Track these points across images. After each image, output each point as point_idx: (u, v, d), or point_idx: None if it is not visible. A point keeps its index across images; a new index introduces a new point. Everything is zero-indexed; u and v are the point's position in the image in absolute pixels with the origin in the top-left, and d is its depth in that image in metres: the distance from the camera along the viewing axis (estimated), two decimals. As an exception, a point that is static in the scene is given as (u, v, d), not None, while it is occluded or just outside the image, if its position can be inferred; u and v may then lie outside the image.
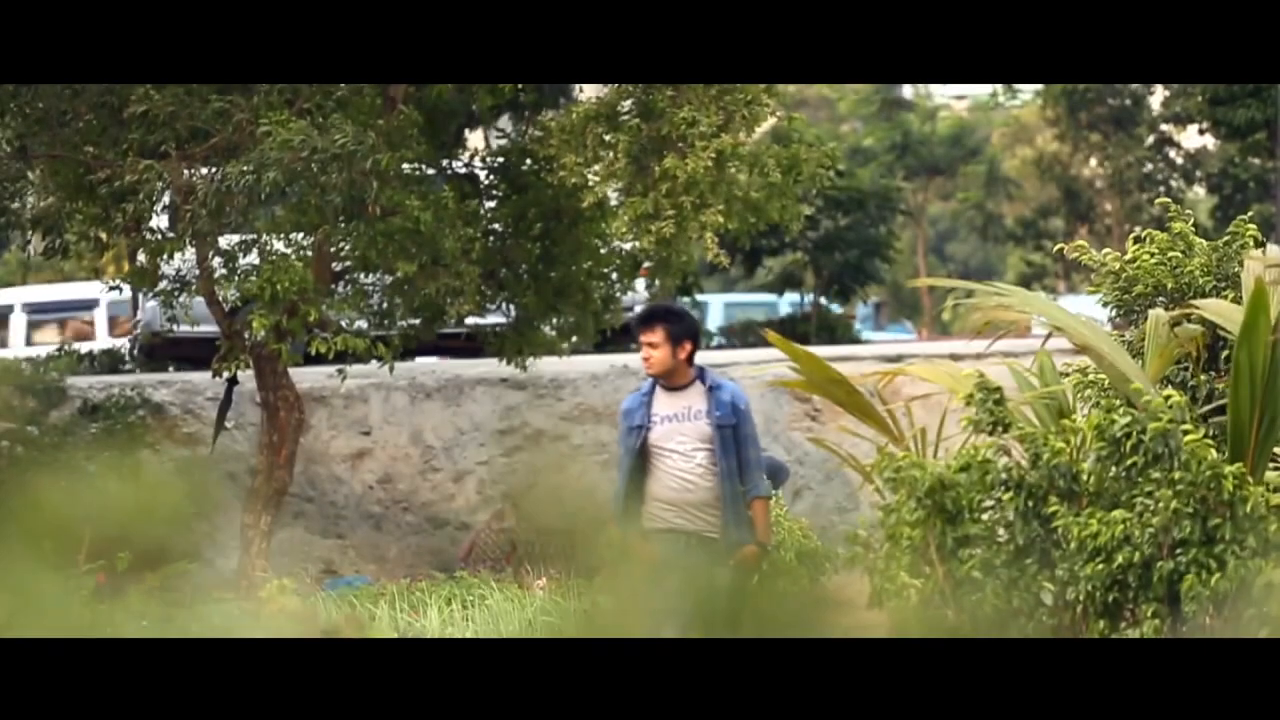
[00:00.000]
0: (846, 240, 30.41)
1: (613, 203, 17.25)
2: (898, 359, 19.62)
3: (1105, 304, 8.91)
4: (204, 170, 16.37)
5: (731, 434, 9.79)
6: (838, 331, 29.72)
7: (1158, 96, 36.77)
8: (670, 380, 9.94)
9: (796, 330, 29.05)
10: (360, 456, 20.74)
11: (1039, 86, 36.84)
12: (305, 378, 19.20)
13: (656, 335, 9.90)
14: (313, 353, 17.01)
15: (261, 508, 17.83)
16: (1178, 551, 7.58)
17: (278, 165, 15.33)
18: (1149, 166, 37.44)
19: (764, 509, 10.04)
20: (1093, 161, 38.44)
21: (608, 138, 16.62)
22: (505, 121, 19.74)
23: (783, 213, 17.54)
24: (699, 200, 16.26)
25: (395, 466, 20.71)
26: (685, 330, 10.02)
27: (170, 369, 23.20)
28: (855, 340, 29.60)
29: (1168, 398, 7.79)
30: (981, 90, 45.17)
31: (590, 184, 16.71)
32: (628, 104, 16.61)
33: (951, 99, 48.65)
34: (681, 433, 9.83)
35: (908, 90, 44.32)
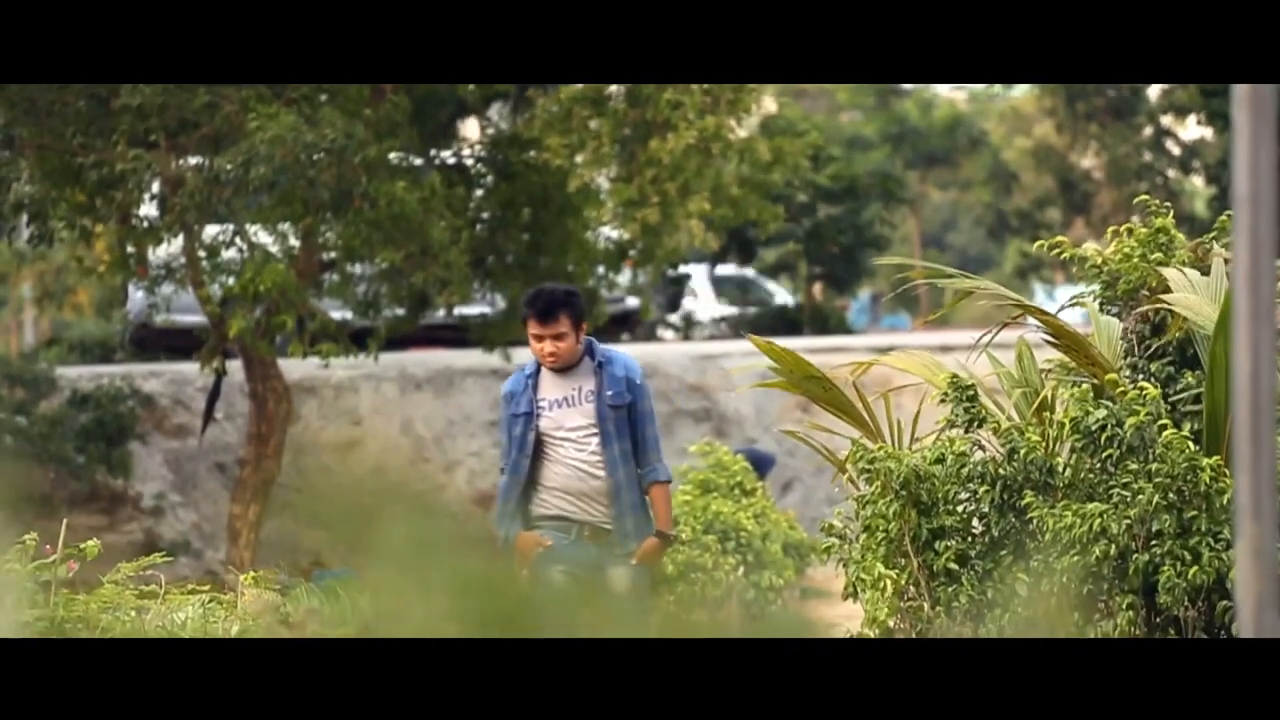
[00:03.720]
0: (840, 230, 30.40)
1: (603, 188, 17.25)
2: (889, 350, 19.61)
3: (1092, 299, 8.85)
4: (193, 160, 16.38)
5: (626, 413, 8.75)
6: (830, 322, 29.73)
7: (1155, 88, 36.72)
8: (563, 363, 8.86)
9: (789, 320, 29.10)
10: (350, 447, 20.73)
11: (1036, 76, 36.75)
12: (295, 368, 19.19)
13: (563, 325, 8.74)
14: (289, 354, 17.05)
15: (249, 498, 17.83)
16: (1153, 544, 7.56)
17: (267, 161, 15.33)
18: (1147, 157, 37.38)
19: (664, 495, 8.89)
20: (1090, 152, 38.40)
21: (593, 123, 16.63)
22: (495, 110, 19.70)
23: (761, 211, 17.57)
24: (684, 187, 16.26)
25: (385, 457, 20.69)
26: (582, 309, 9.00)
27: (161, 359, 23.20)
28: (848, 331, 29.61)
29: (1142, 390, 7.76)
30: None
31: (575, 168, 16.70)
32: (614, 89, 16.61)
33: (950, 90, 48.65)
34: (574, 418, 8.76)
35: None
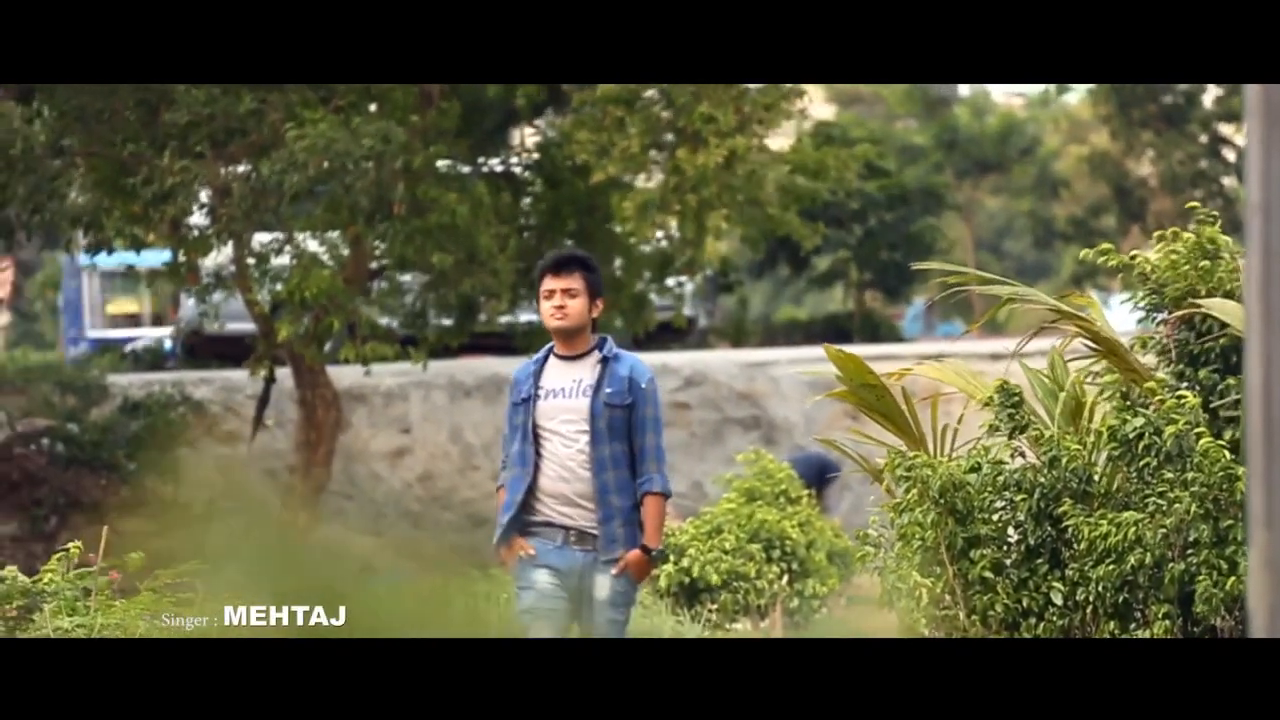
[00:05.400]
0: (890, 238, 30.31)
1: (635, 186, 17.33)
2: (938, 359, 19.59)
3: (1137, 306, 8.81)
4: (239, 169, 16.47)
5: (624, 415, 8.13)
6: (881, 330, 29.66)
7: (1210, 94, 36.55)
8: (569, 345, 8.24)
9: (840, 329, 29.06)
10: (400, 454, 20.79)
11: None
12: (345, 376, 19.26)
13: (576, 281, 8.24)
14: (341, 358, 17.14)
15: (299, 505, 17.91)
16: (1189, 553, 7.52)
17: (303, 168, 15.39)
18: (1203, 164, 37.19)
19: (657, 506, 8.28)
20: (1145, 159, 38.22)
21: (625, 121, 16.66)
22: (542, 118, 19.76)
23: (798, 229, 17.59)
24: (705, 201, 16.30)
25: (435, 464, 20.75)
26: (600, 284, 8.40)
27: (211, 366, 23.32)
28: (899, 339, 29.55)
29: (1181, 398, 7.73)
30: (1035, 87, 45.01)
31: (602, 163, 16.73)
32: (651, 92, 16.65)
33: (1011, 96, 48.44)
34: (567, 410, 8.16)
35: (964, 87, 44.17)
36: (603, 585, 8.15)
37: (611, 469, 8.16)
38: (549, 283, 8.26)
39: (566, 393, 8.17)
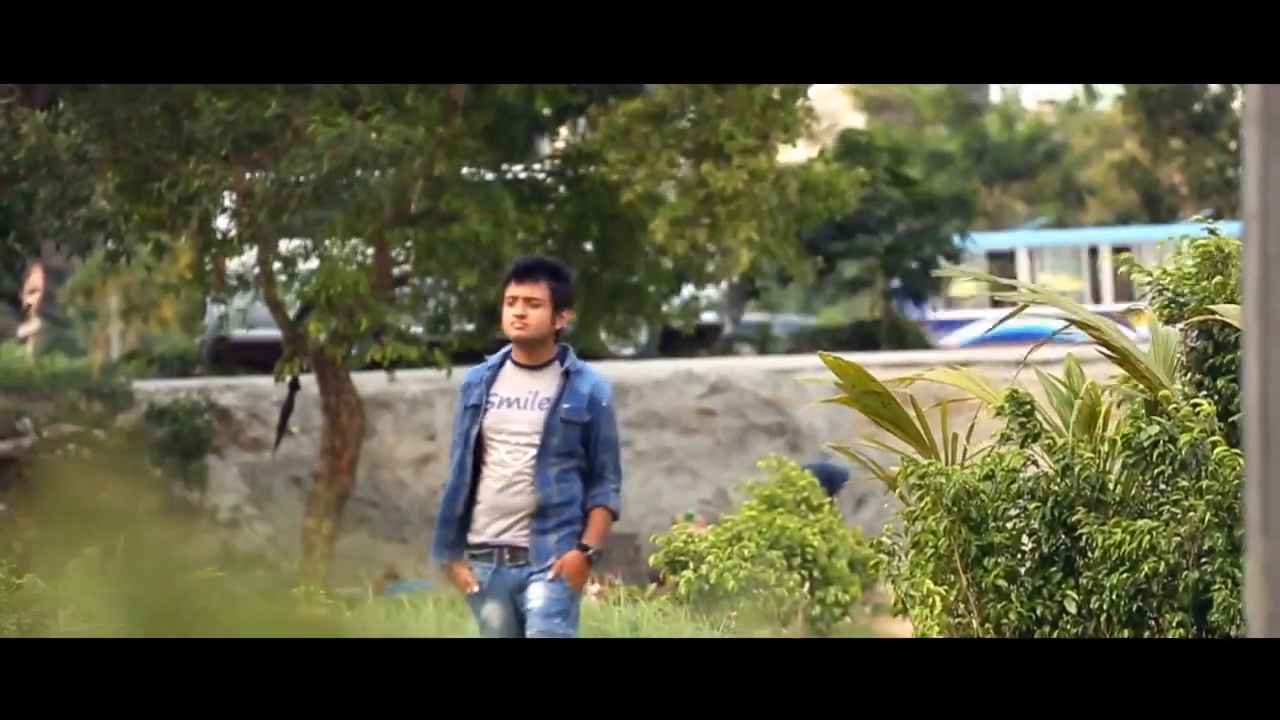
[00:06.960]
0: (918, 245, 30.24)
1: (668, 198, 17.39)
2: (964, 365, 19.54)
3: (1156, 317, 8.79)
4: (261, 174, 16.53)
5: (580, 432, 7.79)
6: (908, 337, 29.59)
7: (1240, 101, 36.48)
8: (529, 355, 7.83)
9: (866, 335, 29.00)
10: (425, 461, 20.80)
11: (1120, 90, 36.67)
12: (370, 383, 19.28)
13: (540, 290, 7.82)
14: (368, 359, 17.17)
15: (323, 512, 17.94)
16: (1204, 561, 7.50)
17: (319, 161, 15.40)
18: (1231, 172, 37.10)
19: (604, 518, 7.89)
20: (1174, 166, 38.17)
21: (653, 139, 16.75)
22: (565, 126, 19.79)
23: (793, 265, 17.67)
24: (732, 213, 16.38)
25: (459, 472, 20.79)
26: (569, 294, 7.99)
27: (238, 373, 23.37)
28: (926, 346, 29.48)
29: (1196, 406, 7.70)
30: (1064, 93, 44.96)
31: (632, 182, 16.83)
32: (682, 101, 16.77)
33: (1041, 103, 48.39)
34: (520, 421, 7.75)
35: (995, 94, 44.11)
36: (535, 594, 7.79)
37: (555, 483, 7.82)
38: (513, 289, 7.88)
39: (522, 403, 7.82)
